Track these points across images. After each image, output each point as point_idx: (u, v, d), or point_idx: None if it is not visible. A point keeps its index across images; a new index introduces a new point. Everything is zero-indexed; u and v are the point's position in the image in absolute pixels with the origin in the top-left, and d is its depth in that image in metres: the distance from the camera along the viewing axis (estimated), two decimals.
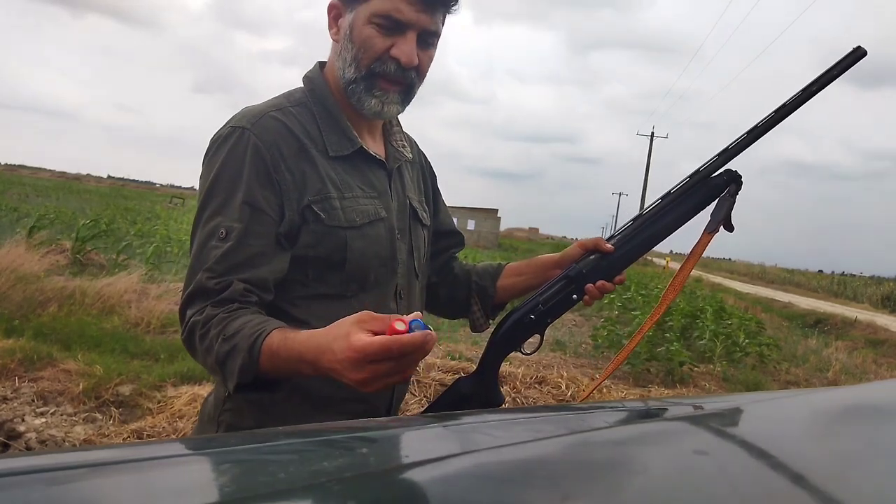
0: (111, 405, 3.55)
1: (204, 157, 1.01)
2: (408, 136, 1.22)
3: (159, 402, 3.61)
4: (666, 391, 5.33)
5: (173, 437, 3.07)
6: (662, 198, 1.08)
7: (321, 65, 1.10)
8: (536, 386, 4.54)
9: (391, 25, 0.97)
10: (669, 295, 1.11)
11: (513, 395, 4.34)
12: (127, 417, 3.48)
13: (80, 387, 3.62)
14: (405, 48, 0.98)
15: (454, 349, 5.52)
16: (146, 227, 15.03)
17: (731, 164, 1.04)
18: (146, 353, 4.59)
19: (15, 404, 3.42)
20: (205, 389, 3.64)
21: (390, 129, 1.16)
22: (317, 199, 0.98)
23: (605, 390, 4.65)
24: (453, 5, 1.02)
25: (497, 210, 38.87)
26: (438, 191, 1.31)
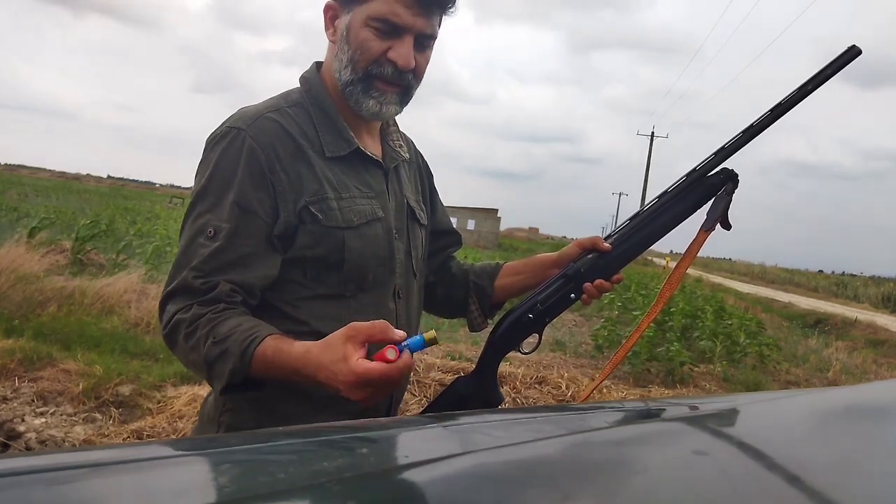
0: (111, 405, 3.55)
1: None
2: (405, 135, 1.22)
3: (159, 403, 3.61)
4: (666, 391, 5.33)
5: (173, 437, 3.07)
6: (659, 196, 1.08)
7: (318, 65, 1.10)
8: (536, 386, 4.54)
9: (388, 29, 0.97)
10: (666, 293, 1.11)
11: (513, 395, 4.34)
12: (127, 417, 3.48)
13: (80, 387, 3.62)
14: (402, 51, 0.98)
15: (454, 349, 5.52)
16: (146, 226, 15.02)
17: (729, 163, 1.05)
18: (146, 353, 4.59)
19: (15, 404, 3.42)
20: (204, 389, 3.64)
21: (387, 129, 1.16)
22: (314, 199, 0.99)
23: (604, 390, 4.65)
24: (450, 8, 1.02)
25: (497, 210, 38.88)
26: (436, 190, 1.31)
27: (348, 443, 0.50)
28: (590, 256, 1.10)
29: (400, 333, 0.83)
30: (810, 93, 1.00)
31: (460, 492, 0.39)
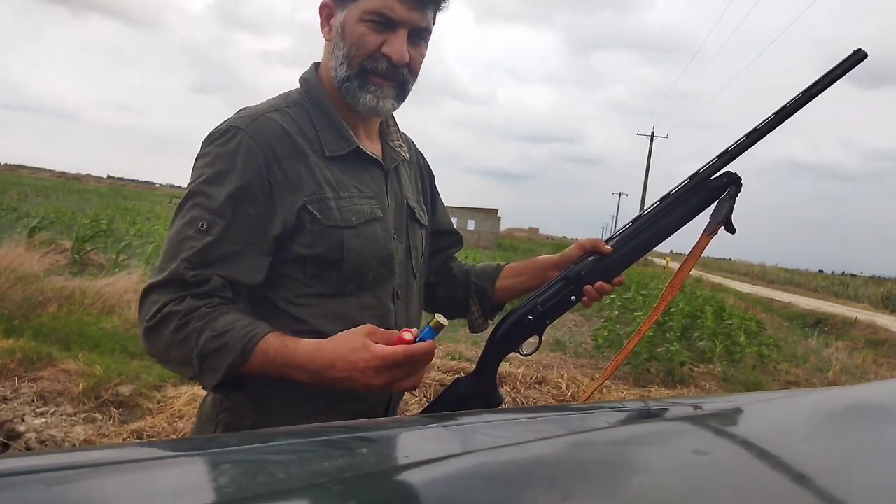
0: (111, 405, 3.55)
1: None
2: (405, 135, 1.22)
3: (159, 403, 3.61)
4: (666, 391, 5.33)
5: (173, 437, 3.07)
6: (662, 199, 1.08)
7: (316, 66, 1.11)
8: (536, 386, 4.54)
9: (383, 22, 0.98)
10: (668, 295, 1.11)
11: (513, 395, 4.34)
12: (127, 417, 3.48)
13: (80, 387, 3.62)
14: (396, 46, 0.99)
15: (454, 349, 5.52)
16: (146, 226, 15.02)
17: (731, 166, 1.05)
18: (146, 353, 4.58)
19: (15, 404, 3.42)
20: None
21: (387, 129, 1.16)
22: (312, 199, 0.99)
23: (605, 390, 4.65)
24: (443, 2, 1.03)
25: (497, 210, 38.88)
26: (437, 190, 1.30)
27: (348, 443, 0.50)
28: (591, 258, 1.09)
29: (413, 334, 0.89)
30: (815, 96, 0.99)
31: (460, 492, 0.39)
